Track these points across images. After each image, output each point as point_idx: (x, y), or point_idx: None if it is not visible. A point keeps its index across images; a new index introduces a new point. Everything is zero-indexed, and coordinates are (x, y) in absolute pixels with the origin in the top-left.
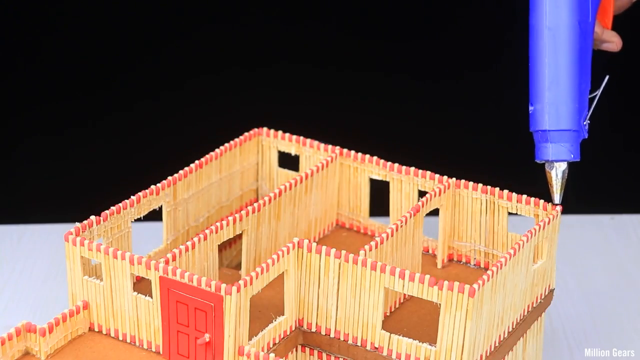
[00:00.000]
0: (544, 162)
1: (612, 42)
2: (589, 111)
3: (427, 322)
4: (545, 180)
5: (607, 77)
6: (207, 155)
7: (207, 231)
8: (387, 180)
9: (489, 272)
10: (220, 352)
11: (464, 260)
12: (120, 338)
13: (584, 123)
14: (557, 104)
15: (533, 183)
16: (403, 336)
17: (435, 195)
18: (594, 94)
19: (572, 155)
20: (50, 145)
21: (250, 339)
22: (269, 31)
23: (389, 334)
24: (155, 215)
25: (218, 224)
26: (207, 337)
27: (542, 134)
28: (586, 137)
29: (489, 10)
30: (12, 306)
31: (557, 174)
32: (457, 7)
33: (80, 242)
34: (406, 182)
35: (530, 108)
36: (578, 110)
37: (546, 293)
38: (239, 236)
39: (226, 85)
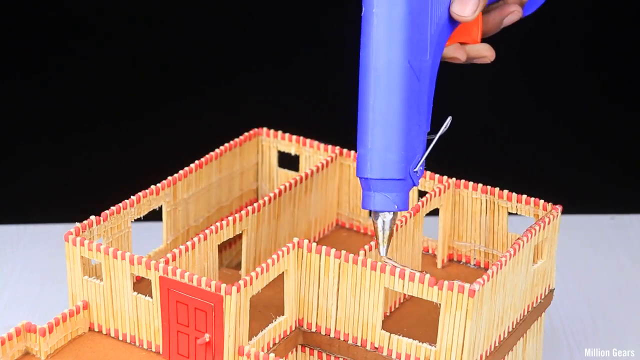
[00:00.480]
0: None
1: (484, 56)
2: (422, 156)
3: (427, 322)
4: (539, 183)
5: (449, 119)
6: (207, 155)
7: (207, 231)
8: None
9: (489, 272)
10: (220, 352)
11: (464, 260)
12: (120, 338)
13: (415, 170)
14: (382, 151)
15: (533, 183)
16: (403, 336)
17: (435, 195)
18: (432, 136)
19: (397, 206)
20: (51, 145)
21: (250, 339)
22: (270, 31)
23: (389, 334)
24: (155, 215)
25: (218, 224)
26: (207, 337)
27: (365, 182)
28: (417, 185)
29: None
30: (12, 306)
31: (382, 225)
32: None
33: (80, 242)
34: None
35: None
36: (406, 158)
37: (546, 293)
38: (239, 236)
39: (226, 85)
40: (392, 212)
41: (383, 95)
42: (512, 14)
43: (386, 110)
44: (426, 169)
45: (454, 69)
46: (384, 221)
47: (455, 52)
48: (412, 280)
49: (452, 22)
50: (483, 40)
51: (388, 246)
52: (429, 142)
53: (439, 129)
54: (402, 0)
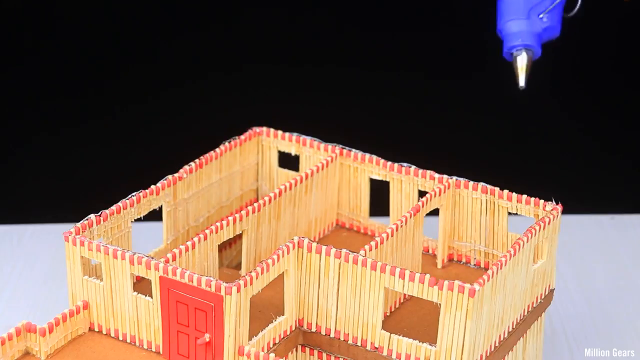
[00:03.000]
0: (512, 55)
1: None
2: (548, 7)
3: (427, 322)
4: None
5: None
6: (207, 155)
7: (207, 231)
8: (387, 180)
9: (489, 272)
10: (220, 352)
11: (464, 260)
12: (120, 338)
13: (540, 16)
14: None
15: (533, 183)
16: (403, 336)
17: (435, 195)
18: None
19: (520, 40)
20: (50, 145)
21: (250, 339)
22: (269, 30)
23: (389, 334)
24: (155, 215)
25: (218, 224)
26: (207, 337)
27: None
28: (540, 29)
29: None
30: (12, 306)
31: (518, 60)
32: (459, 6)
33: (80, 242)
34: (406, 182)
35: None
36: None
37: (546, 293)
38: (239, 236)
39: (226, 85)
40: (524, 50)
41: None
42: None
43: None
44: (426, 169)
45: (453, 77)
46: (518, 57)
47: None
48: (412, 280)
49: None
50: None
51: (526, 79)
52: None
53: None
54: None
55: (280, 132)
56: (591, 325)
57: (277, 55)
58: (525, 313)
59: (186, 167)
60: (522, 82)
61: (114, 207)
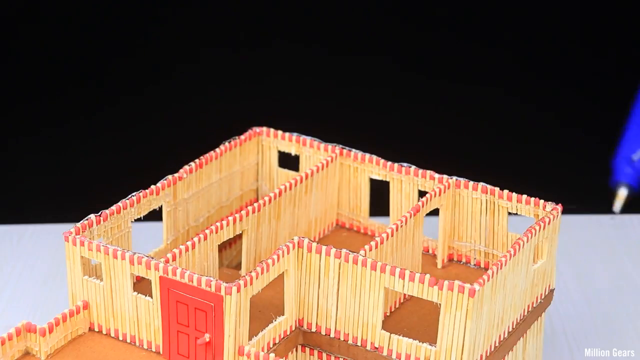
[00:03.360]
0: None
1: None
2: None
3: (427, 322)
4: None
5: None
6: (207, 155)
7: (207, 231)
8: (387, 180)
9: (489, 272)
10: (220, 352)
11: (464, 260)
12: (120, 338)
13: (633, 159)
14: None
15: (533, 183)
16: (403, 336)
17: (435, 195)
18: None
19: (623, 177)
20: (50, 144)
21: (250, 339)
22: (270, 29)
23: (389, 334)
24: (155, 215)
25: (218, 224)
26: (207, 337)
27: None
28: (634, 169)
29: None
30: (12, 306)
31: (619, 192)
32: (463, 9)
33: (80, 242)
34: (406, 182)
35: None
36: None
37: (546, 293)
38: (239, 236)
39: (227, 85)
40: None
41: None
42: None
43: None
44: (426, 169)
45: (456, 75)
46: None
47: None
48: (412, 280)
49: None
50: None
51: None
52: None
53: None
54: None
55: (280, 132)
56: (591, 325)
57: (278, 55)
58: (525, 313)
59: (186, 167)
60: (617, 209)
61: (114, 207)
